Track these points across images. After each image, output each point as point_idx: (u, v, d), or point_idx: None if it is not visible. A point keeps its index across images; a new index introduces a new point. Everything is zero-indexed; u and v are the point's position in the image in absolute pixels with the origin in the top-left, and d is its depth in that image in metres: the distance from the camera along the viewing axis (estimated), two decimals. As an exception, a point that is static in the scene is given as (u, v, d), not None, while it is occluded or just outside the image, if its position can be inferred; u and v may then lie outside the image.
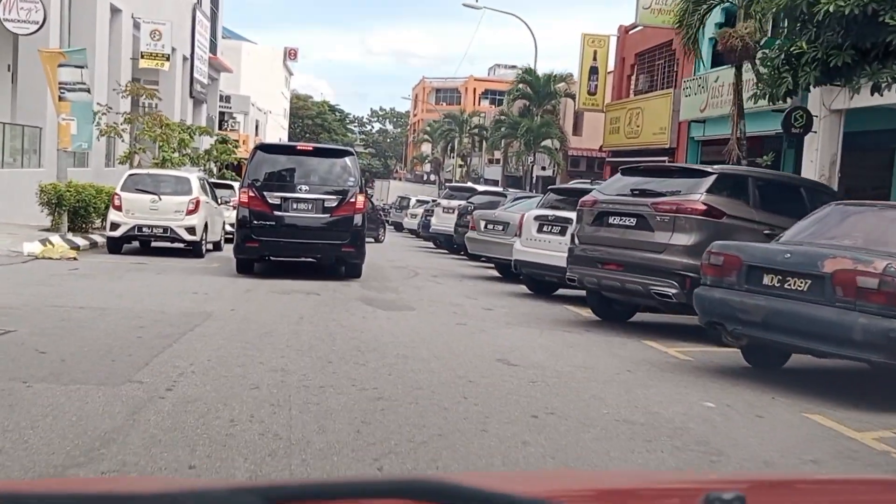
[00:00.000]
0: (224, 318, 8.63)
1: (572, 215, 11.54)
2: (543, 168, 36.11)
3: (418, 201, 37.27)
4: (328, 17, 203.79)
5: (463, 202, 22.20)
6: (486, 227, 14.86)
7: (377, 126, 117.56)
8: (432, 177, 70.87)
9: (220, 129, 45.57)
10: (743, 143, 16.81)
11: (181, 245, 16.34)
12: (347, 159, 13.48)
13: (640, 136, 26.25)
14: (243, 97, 60.31)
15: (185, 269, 13.99)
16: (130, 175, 16.48)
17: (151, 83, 37.32)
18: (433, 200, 33.69)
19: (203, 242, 16.55)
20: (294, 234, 12.88)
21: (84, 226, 17.86)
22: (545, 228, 11.86)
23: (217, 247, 18.67)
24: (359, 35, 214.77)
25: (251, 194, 12.87)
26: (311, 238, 12.97)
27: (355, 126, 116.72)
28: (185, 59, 36.54)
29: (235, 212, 14.35)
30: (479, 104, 71.17)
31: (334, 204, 12.91)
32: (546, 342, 8.50)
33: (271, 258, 13.84)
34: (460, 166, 58.67)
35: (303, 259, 14.07)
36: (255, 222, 12.77)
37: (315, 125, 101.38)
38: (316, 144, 16.67)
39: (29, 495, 1.04)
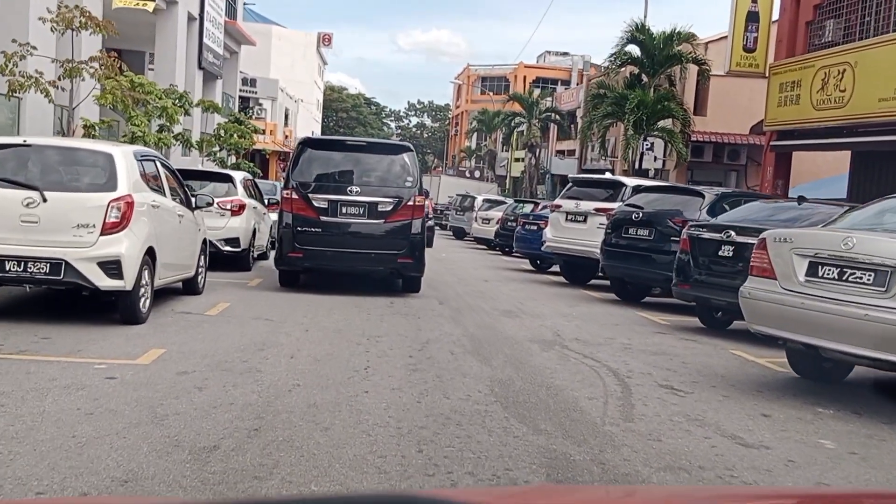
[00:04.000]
0: None
1: None
2: (655, 158, 26.89)
3: (486, 201, 28.27)
4: (358, 14, 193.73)
5: (610, 205, 13.17)
6: (827, 273, 5.70)
7: (414, 120, 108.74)
8: (477, 172, 61.57)
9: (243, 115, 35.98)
10: None
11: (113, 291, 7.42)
12: (405, 156, 11.33)
13: (847, 104, 16.95)
14: (271, 81, 51.76)
15: (42, 391, 5.05)
16: (-15, 148, 7.55)
17: (143, 51, 28.74)
18: (518, 201, 24.80)
19: (143, 291, 7.61)
20: (343, 243, 10.69)
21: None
22: None
23: (190, 287, 9.77)
24: (388, 33, 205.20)
25: (294, 197, 10.71)
26: (362, 247, 10.73)
27: (392, 120, 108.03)
28: (191, 18, 27.76)
29: (276, 217, 12.09)
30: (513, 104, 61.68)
31: (389, 208, 10.72)
32: None
33: (317, 270, 11.36)
34: (517, 160, 49.49)
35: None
36: (299, 229, 10.65)
37: (349, 118, 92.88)
38: (369, 139, 14.90)
39: None
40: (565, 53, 76.91)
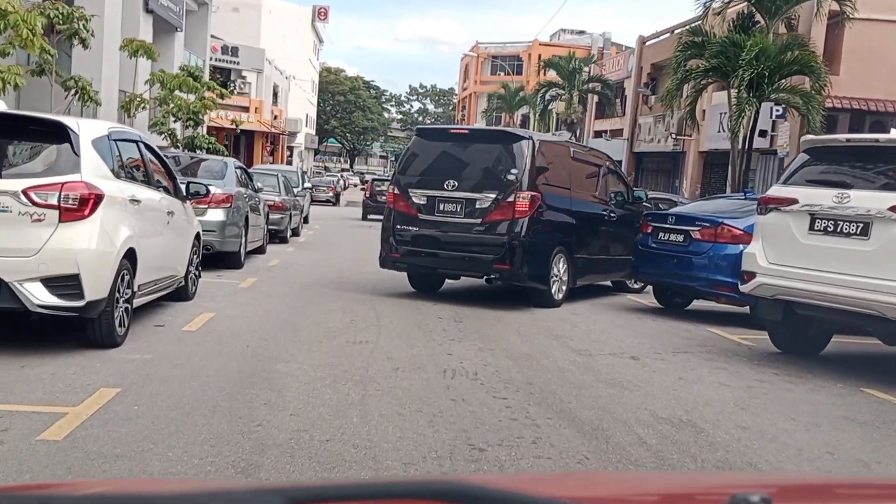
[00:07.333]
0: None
1: None
2: (763, 133, 19.14)
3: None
4: (356, 1, 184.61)
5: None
6: None
7: (416, 105, 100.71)
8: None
9: (225, 89, 27.59)
10: None
11: None
12: (523, 144, 9.24)
13: None
14: (256, 50, 43.78)
15: None
16: None
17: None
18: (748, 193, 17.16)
19: None
20: (436, 244, 9.34)
21: None
22: None
23: None
24: (387, 21, 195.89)
25: (396, 192, 9.82)
26: (455, 249, 9.27)
27: (392, 105, 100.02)
28: (132, -59, 19.94)
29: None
30: (545, 74, 53.55)
31: (487, 205, 9.11)
32: None
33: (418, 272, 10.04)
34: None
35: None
36: (398, 227, 9.65)
37: (347, 102, 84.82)
38: (483, 127, 12.43)
39: (61, 497, 0.89)
40: (582, 32, 69.21)
